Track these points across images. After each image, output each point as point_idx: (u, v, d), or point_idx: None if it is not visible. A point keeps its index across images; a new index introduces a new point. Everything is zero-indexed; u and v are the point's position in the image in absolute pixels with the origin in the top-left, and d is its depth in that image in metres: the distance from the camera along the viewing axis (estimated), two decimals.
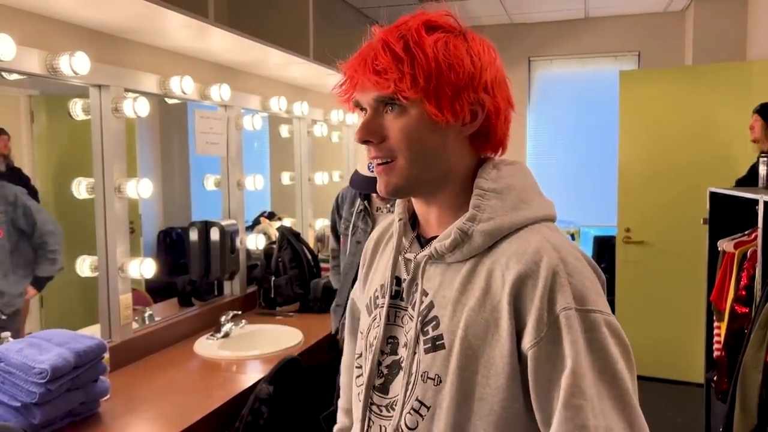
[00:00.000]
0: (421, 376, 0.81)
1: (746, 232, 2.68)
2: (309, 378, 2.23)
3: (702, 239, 3.14)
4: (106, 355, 1.84)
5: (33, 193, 2.20)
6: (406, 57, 0.77)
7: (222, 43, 2.47)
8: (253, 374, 2.16)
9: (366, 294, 0.97)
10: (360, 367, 0.94)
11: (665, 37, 4.76)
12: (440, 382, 0.80)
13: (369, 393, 0.89)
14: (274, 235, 3.20)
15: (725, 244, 2.70)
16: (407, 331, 0.85)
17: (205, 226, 2.79)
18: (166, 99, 2.62)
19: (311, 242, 3.63)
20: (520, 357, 0.76)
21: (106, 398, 1.87)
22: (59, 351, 1.67)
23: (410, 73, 0.76)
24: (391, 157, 0.82)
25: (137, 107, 2.22)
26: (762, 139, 3.30)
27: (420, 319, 0.83)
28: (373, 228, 2.15)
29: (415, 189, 0.85)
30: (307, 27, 3.01)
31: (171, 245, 2.90)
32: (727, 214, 2.90)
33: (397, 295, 0.89)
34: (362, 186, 2.23)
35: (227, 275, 2.88)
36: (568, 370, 0.73)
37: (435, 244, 0.83)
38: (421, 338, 0.83)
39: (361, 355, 0.94)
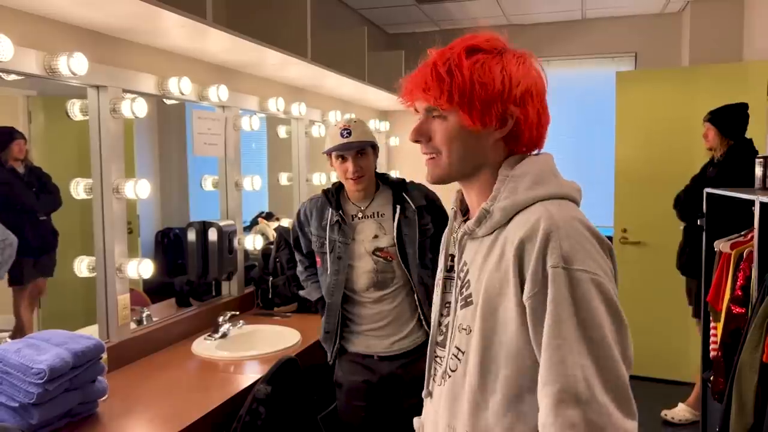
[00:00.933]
0: (458, 327, 1.03)
1: (742, 233, 2.69)
2: (307, 378, 2.23)
3: (699, 240, 3.15)
4: (104, 356, 1.84)
5: (52, 192, 2.24)
6: (447, 77, 0.98)
7: (220, 43, 2.48)
8: (250, 374, 2.16)
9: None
10: None
11: (662, 39, 4.77)
12: (470, 331, 0.99)
13: (433, 347, 1.12)
14: (272, 235, 3.21)
15: (722, 245, 2.71)
16: (453, 294, 1.07)
17: (203, 227, 2.80)
18: (164, 100, 2.62)
19: None
20: (525, 308, 0.93)
21: (104, 399, 1.87)
22: (57, 351, 1.67)
23: (448, 90, 0.98)
24: (436, 153, 1.04)
25: (135, 108, 2.22)
26: (717, 146, 3.39)
27: (459, 282, 1.05)
28: (352, 239, 2.14)
29: (454, 178, 1.06)
30: (305, 28, 3.01)
31: (169, 246, 2.90)
32: (724, 215, 2.91)
33: (452, 269, 1.10)
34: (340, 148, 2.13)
35: (225, 276, 2.88)
36: (550, 317, 0.89)
37: (468, 222, 1.05)
38: (459, 298, 1.04)
39: None
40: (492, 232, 1.00)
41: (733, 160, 3.32)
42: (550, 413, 0.86)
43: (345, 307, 2.20)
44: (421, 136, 1.04)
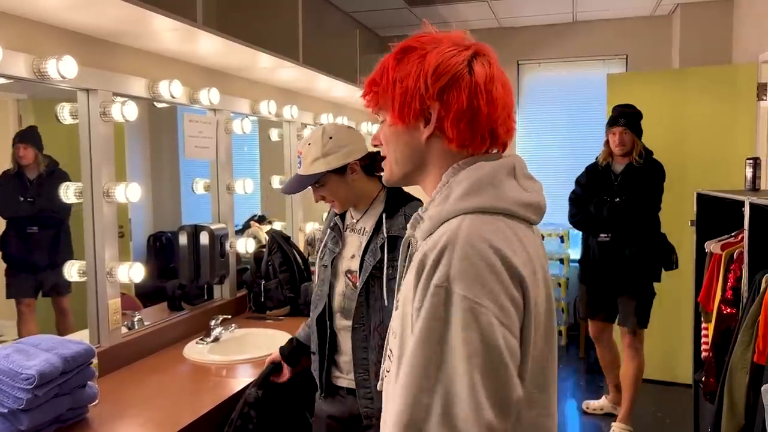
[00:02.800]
0: (392, 330, 0.98)
1: (733, 234, 2.70)
2: (298, 381, 2.22)
3: (689, 241, 3.17)
4: (95, 360, 1.83)
5: (54, 203, 2.21)
6: (379, 81, 0.99)
7: (211, 46, 2.47)
8: (243, 378, 2.15)
9: None
10: None
11: (652, 41, 4.80)
12: (396, 334, 0.94)
13: (386, 345, 1.06)
14: (264, 238, 3.20)
15: (712, 246, 2.72)
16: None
17: (195, 230, 2.79)
18: (155, 103, 2.61)
19: (301, 246, 3.62)
20: None
21: (94, 404, 1.86)
22: (46, 356, 1.66)
23: (375, 92, 1.00)
24: (386, 156, 1.04)
25: (125, 111, 2.22)
26: (630, 151, 3.36)
27: (398, 284, 1.03)
28: (339, 251, 1.90)
29: (399, 179, 1.04)
30: (296, 31, 3.01)
31: (161, 249, 2.89)
32: (714, 216, 2.93)
33: None
34: (289, 184, 1.92)
35: (217, 279, 2.87)
36: (417, 333, 0.83)
37: (408, 224, 1.02)
38: (395, 301, 1.00)
39: None
40: (425, 239, 0.93)
41: (655, 166, 3.37)
42: (391, 429, 0.83)
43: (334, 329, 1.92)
44: (376, 140, 1.07)
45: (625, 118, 3.34)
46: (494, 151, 1.00)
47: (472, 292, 0.82)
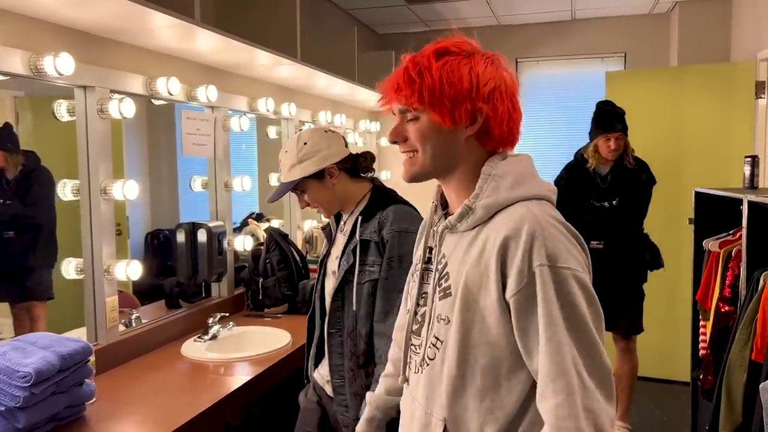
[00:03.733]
0: (437, 317, 1.07)
1: (731, 232, 2.70)
2: (293, 383, 2.21)
3: (688, 239, 3.17)
4: (92, 358, 1.83)
5: (29, 207, 2.18)
6: (417, 79, 1.03)
7: (208, 43, 2.46)
8: (240, 376, 2.15)
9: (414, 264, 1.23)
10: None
11: (651, 39, 4.80)
12: (449, 321, 1.04)
13: (409, 335, 1.16)
14: (262, 236, 3.19)
15: (710, 244, 2.72)
16: (431, 285, 1.11)
17: (193, 228, 2.78)
18: (152, 100, 2.60)
19: (299, 244, 3.62)
20: (506, 303, 0.98)
21: (91, 402, 1.85)
22: (44, 354, 1.66)
23: (419, 91, 1.03)
24: (413, 151, 1.09)
25: (123, 108, 2.21)
26: (619, 154, 3.18)
27: (437, 274, 1.09)
28: (330, 249, 1.92)
29: (430, 175, 1.10)
30: (294, 28, 3.00)
31: (158, 247, 2.88)
32: (713, 214, 2.93)
33: (429, 261, 1.14)
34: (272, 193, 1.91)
35: (215, 277, 2.87)
36: (542, 315, 0.95)
37: (450, 217, 1.08)
38: (437, 289, 1.08)
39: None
40: (473, 228, 1.05)
41: (647, 167, 3.25)
42: (563, 405, 0.92)
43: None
44: (398, 136, 1.10)
45: (620, 122, 3.17)
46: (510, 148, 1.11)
47: (570, 263, 0.96)
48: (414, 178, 1.11)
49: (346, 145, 1.90)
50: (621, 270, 3.22)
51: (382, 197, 1.85)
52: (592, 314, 0.96)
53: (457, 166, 1.08)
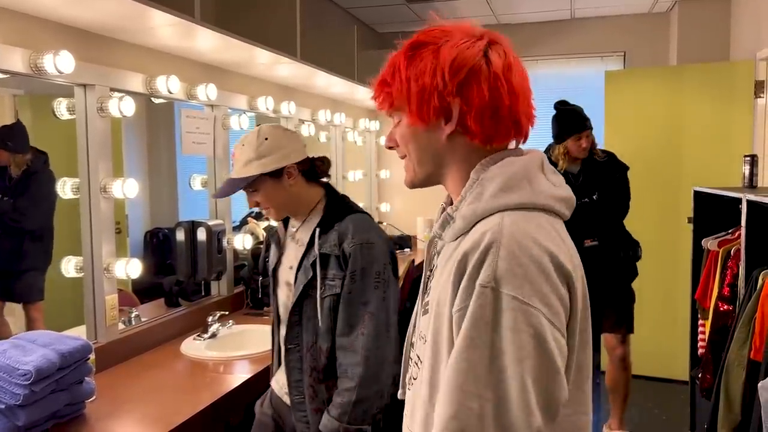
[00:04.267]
0: (419, 335, 0.97)
1: (730, 231, 2.71)
2: None
3: (687, 238, 3.17)
4: (92, 356, 1.83)
5: (24, 207, 2.17)
6: (390, 81, 0.96)
7: (208, 42, 2.46)
8: (240, 375, 2.15)
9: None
10: None
11: (650, 38, 4.80)
12: (426, 340, 0.92)
13: (408, 349, 1.07)
14: (262, 235, 3.19)
15: (709, 243, 2.72)
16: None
17: (192, 226, 2.78)
18: (152, 98, 2.60)
19: None
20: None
21: (91, 400, 1.86)
22: (44, 352, 1.66)
23: (389, 93, 0.96)
24: (404, 156, 1.01)
25: (123, 107, 2.21)
26: (586, 152, 3.16)
27: (424, 288, 1.00)
28: (281, 257, 1.82)
29: (422, 180, 1.01)
30: (294, 26, 3.00)
31: (158, 245, 2.89)
32: (712, 213, 2.93)
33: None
34: (221, 188, 1.77)
35: (214, 275, 2.87)
36: (463, 336, 0.80)
37: (434, 226, 0.97)
38: (422, 305, 0.99)
39: None
40: (456, 239, 0.92)
41: (616, 158, 3.22)
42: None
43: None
44: (390, 142, 1.02)
45: (587, 120, 3.15)
46: (515, 142, 0.97)
47: (522, 292, 0.79)
48: (411, 184, 1.02)
49: (305, 147, 1.81)
50: (619, 267, 3.20)
51: (338, 206, 1.76)
52: (533, 362, 0.78)
53: (447, 167, 0.97)
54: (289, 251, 1.82)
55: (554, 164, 3.16)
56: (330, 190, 1.83)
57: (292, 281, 1.75)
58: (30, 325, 2.20)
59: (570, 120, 3.16)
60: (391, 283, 1.70)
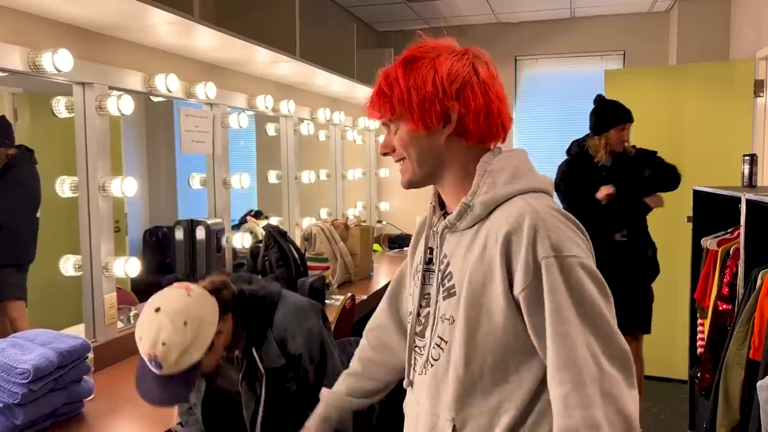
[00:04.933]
0: (441, 317, 1.06)
1: (729, 230, 2.71)
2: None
3: (686, 237, 3.17)
4: (90, 355, 1.83)
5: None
6: (388, 92, 1.06)
7: (207, 40, 2.46)
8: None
9: (413, 265, 1.23)
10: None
11: (650, 37, 4.80)
12: (453, 321, 1.03)
13: (413, 337, 1.15)
14: (261, 234, 3.19)
15: (709, 242, 2.72)
16: (434, 285, 1.10)
17: (191, 225, 2.78)
18: (151, 97, 2.60)
19: (298, 241, 3.61)
20: (514, 299, 0.98)
21: (90, 398, 1.85)
22: (42, 351, 1.66)
23: (389, 102, 1.06)
24: (403, 159, 1.11)
25: (121, 105, 2.20)
26: (625, 144, 3.14)
27: (440, 275, 1.08)
28: (210, 383, 1.68)
29: (421, 181, 1.11)
30: (293, 25, 3.00)
31: (157, 244, 2.89)
32: (711, 212, 2.93)
33: (430, 261, 1.14)
34: (152, 393, 1.47)
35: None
36: (551, 307, 0.95)
37: (449, 216, 1.08)
38: (441, 289, 1.08)
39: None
40: (473, 226, 1.05)
41: (638, 159, 3.18)
42: (572, 394, 0.92)
43: None
44: (386, 148, 1.13)
45: (631, 112, 3.17)
46: (499, 142, 1.11)
47: (575, 251, 0.97)
48: (409, 184, 1.13)
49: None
50: (646, 264, 3.16)
51: (255, 315, 1.62)
52: (603, 299, 0.96)
53: (446, 167, 1.09)
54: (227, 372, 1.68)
55: (591, 157, 3.17)
56: (239, 305, 1.61)
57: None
58: (8, 326, 2.17)
59: (615, 111, 3.16)
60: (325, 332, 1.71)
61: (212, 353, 1.50)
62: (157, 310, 1.43)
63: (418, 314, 1.14)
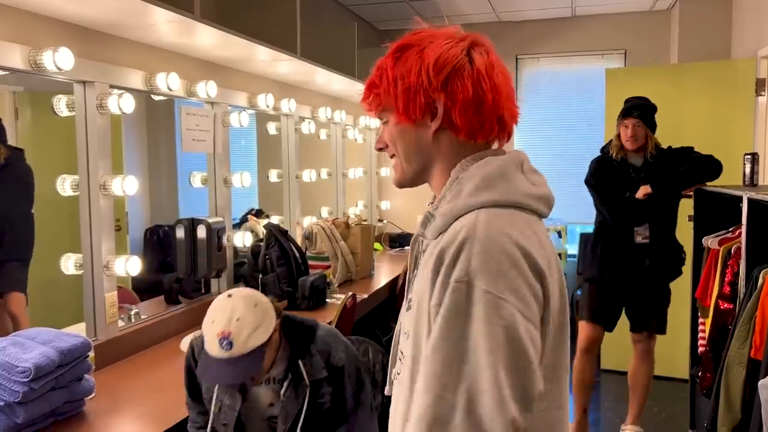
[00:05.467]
0: (402, 330, 0.98)
1: (730, 229, 2.70)
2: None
3: (687, 236, 3.16)
4: (91, 354, 1.83)
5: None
6: (378, 83, 0.99)
7: (208, 39, 2.46)
8: None
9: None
10: None
11: (651, 36, 4.79)
12: (408, 335, 0.93)
13: (396, 347, 1.05)
14: (262, 232, 3.19)
15: (710, 241, 2.72)
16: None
17: (192, 224, 2.78)
18: (152, 95, 2.60)
19: (299, 240, 3.61)
20: None
21: (90, 397, 1.85)
22: (43, 349, 1.66)
23: (377, 94, 1.00)
24: (393, 155, 1.03)
25: (122, 104, 2.20)
26: (643, 145, 3.08)
27: (408, 285, 1.02)
28: (243, 403, 1.69)
29: (410, 179, 1.03)
30: (294, 23, 3.00)
31: (158, 243, 2.89)
32: (712, 211, 2.93)
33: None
34: (220, 376, 1.58)
35: (214, 273, 2.87)
36: (438, 329, 0.83)
37: (418, 223, 1.00)
38: (405, 301, 1.00)
39: None
40: (437, 237, 0.93)
41: (673, 157, 3.10)
42: (414, 427, 0.83)
43: None
44: (380, 143, 1.05)
45: (639, 109, 3.08)
46: (498, 140, 1.00)
47: (494, 286, 0.82)
48: (399, 183, 1.05)
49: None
50: (661, 265, 3.10)
51: (299, 331, 1.73)
52: (505, 354, 0.80)
53: (435, 164, 1.00)
54: (261, 395, 1.74)
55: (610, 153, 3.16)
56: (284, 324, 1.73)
57: (275, 413, 1.71)
58: (9, 321, 2.18)
59: (623, 107, 3.16)
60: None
61: (264, 359, 1.59)
62: (230, 295, 1.59)
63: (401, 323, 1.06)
